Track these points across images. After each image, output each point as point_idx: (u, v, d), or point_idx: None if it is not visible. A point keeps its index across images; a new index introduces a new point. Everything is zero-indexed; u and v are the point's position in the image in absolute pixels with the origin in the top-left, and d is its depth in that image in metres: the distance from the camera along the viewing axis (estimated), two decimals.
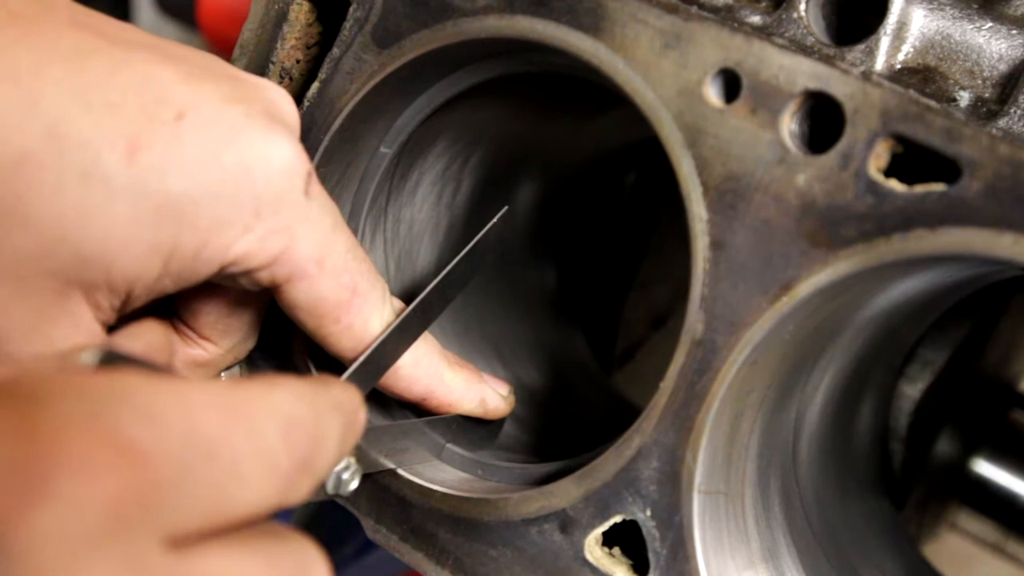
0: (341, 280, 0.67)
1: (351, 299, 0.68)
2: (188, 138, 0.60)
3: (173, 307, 0.71)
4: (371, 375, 0.71)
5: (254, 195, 0.61)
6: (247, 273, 0.64)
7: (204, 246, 0.61)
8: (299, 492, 0.48)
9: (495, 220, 0.78)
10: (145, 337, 0.66)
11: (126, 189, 0.58)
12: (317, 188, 0.66)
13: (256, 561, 0.46)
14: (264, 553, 0.46)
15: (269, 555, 0.47)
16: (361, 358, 0.70)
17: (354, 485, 0.65)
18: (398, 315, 0.72)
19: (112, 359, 0.48)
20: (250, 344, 0.75)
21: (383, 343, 0.70)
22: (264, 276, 0.64)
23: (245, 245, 0.62)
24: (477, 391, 0.77)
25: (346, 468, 0.64)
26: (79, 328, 0.62)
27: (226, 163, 0.61)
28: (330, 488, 0.64)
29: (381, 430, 0.73)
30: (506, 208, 0.78)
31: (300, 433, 0.48)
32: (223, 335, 0.72)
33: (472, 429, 0.79)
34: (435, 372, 0.74)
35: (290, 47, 0.78)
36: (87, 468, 0.40)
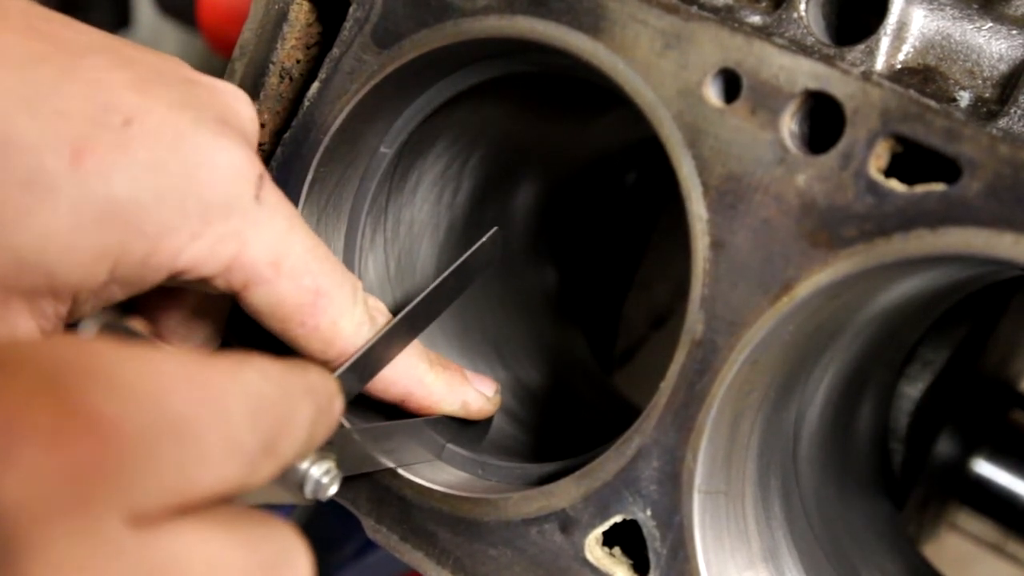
0: (301, 282, 0.66)
1: (314, 301, 0.67)
2: (134, 144, 0.59)
3: (134, 310, 0.71)
4: (357, 380, 0.71)
5: (201, 201, 0.61)
6: (201, 281, 0.63)
7: (152, 252, 0.60)
8: (261, 475, 0.47)
9: (483, 240, 0.77)
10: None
11: (69, 194, 0.58)
12: (270, 191, 0.65)
13: (229, 543, 0.45)
14: (239, 536, 0.46)
15: (244, 539, 0.46)
16: (348, 363, 0.69)
17: (333, 490, 0.64)
18: (373, 317, 0.71)
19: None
20: (214, 345, 0.74)
21: (370, 349, 0.70)
22: (220, 283, 0.64)
23: (194, 252, 0.61)
24: (459, 393, 0.76)
25: (326, 472, 0.63)
26: (16, 337, 0.61)
27: (172, 169, 0.60)
28: (308, 492, 0.63)
29: (369, 430, 0.72)
30: (495, 229, 0.78)
31: (267, 414, 0.47)
32: (185, 338, 0.71)
33: (463, 429, 0.79)
34: (414, 373, 0.74)
35: (290, 47, 0.78)
36: (51, 437, 0.39)
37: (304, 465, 0.61)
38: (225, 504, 0.46)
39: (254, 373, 0.48)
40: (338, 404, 0.56)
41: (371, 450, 0.72)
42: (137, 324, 0.71)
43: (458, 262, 0.76)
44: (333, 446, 0.64)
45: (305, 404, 0.51)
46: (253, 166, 0.64)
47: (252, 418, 0.46)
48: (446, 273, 0.75)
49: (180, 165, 0.61)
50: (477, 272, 0.78)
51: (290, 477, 0.61)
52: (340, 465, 0.64)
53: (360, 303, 0.70)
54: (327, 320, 0.68)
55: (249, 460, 0.46)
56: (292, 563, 0.48)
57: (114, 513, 0.41)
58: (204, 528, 0.44)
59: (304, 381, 0.52)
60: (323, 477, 0.63)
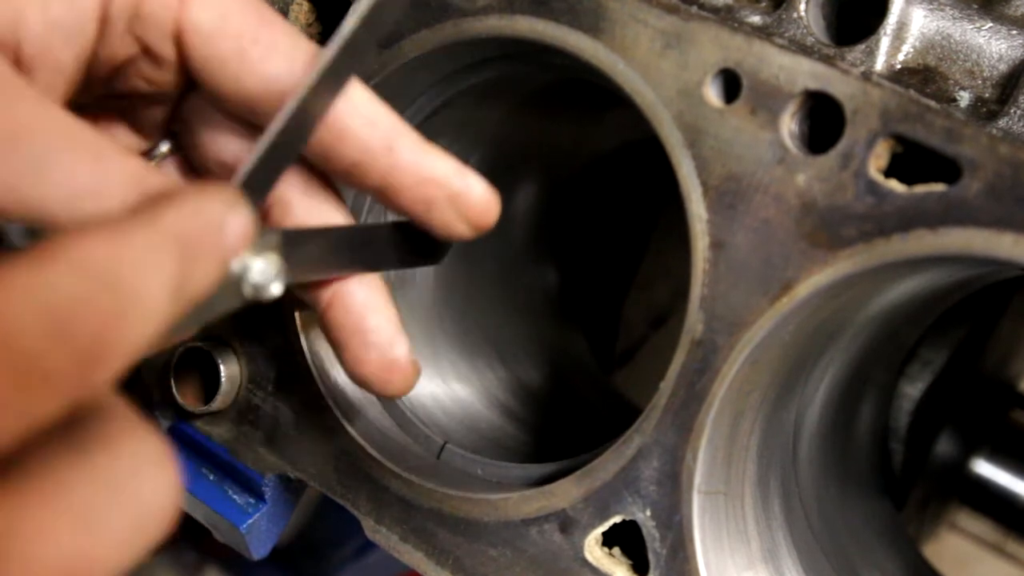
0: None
1: (260, 11, 0.60)
2: None
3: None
4: (300, 127, 0.57)
5: None
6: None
7: None
8: (100, 376, 0.38)
9: None
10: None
11: None
12: None
13: (47, 496, 0.37)
14: (60, 483, 0.38)
15: (67, 484, 0.38)
16: (296, 96, 0.56)
17: (277, 289, 0.54)
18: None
19: None
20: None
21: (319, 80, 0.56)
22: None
23: None
24: (463, 172, 0.62)
25: (263, 271, 0.53)
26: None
27: None
28: (248, 294, 0.53)
29: (305, 235, 0.61)
30: None
31: (79, 319, 0.37)
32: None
33: (416, 242, 0.67)
34: (398, 126, 0.61)
35: None
36: None
37: (237, 265, 0.52)
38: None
39: (58, 272, 0.38)
40: (235, 225, 0.47)
41: (327, 253, 0.62)
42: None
43: None
44: (272, 244, 0.55)
45: (153, 266, 0.41)
46: None
47: (53, 334, 0.37)
48: None
49: None
50: None
51: (223, 280, 0.50)
52: (287, 257, 0.55)
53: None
54: (286, 37, 0.60)
55: (65, 379, 0.37)
56: (142, 485, 0.40)
57: None
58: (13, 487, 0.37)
59: (151, 233, 0.41)
60: (259, 275, 0.53)
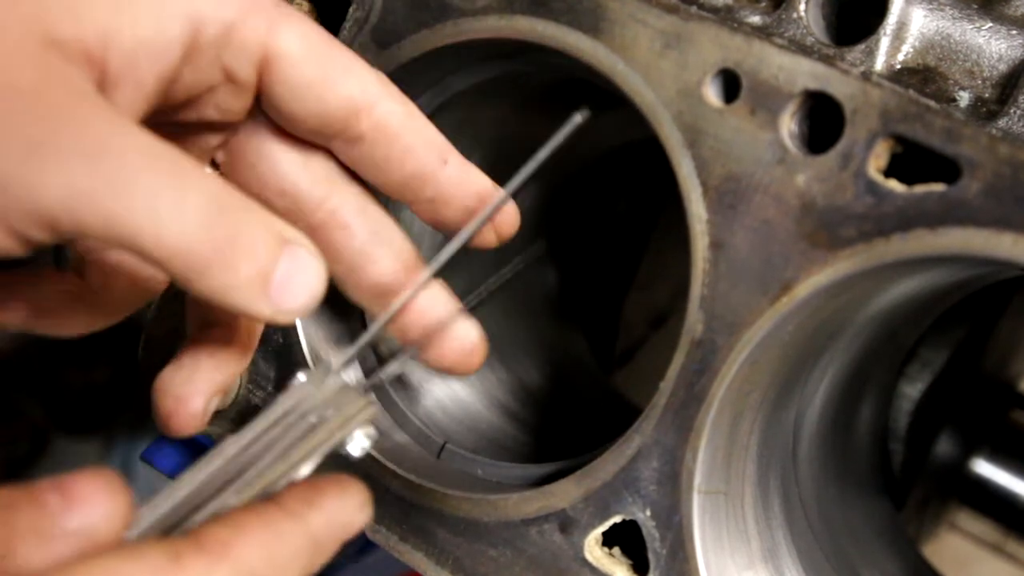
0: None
1: (327, 33, 0.61)
2: None
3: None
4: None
5: None
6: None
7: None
8: None
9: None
10: None
11: None
12: None
13: None
14: None
15: None
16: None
17: (361, 454, 0.60)
18: None
19: None
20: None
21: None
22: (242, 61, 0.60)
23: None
24: (493, 184, 0.69)
25: (357, 445, 0.59)
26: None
27: None
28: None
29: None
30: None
31: None
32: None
33: None
34: (445, 141, 0.67)
35: None
36: None
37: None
38: None
39: (219, 568, 0.46)
40: (361, 521, 0.54)
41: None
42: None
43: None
44: (369, 417, 0.59)
45: (294, 566, 0.50)
46: None
47: None
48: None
49: None
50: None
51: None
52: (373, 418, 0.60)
53: None
54: (349, 55, 0.62)
55: None
56: None
57: None
58: None
59: (299, 537, 0.50)
60: (354, 450, 0.59)
